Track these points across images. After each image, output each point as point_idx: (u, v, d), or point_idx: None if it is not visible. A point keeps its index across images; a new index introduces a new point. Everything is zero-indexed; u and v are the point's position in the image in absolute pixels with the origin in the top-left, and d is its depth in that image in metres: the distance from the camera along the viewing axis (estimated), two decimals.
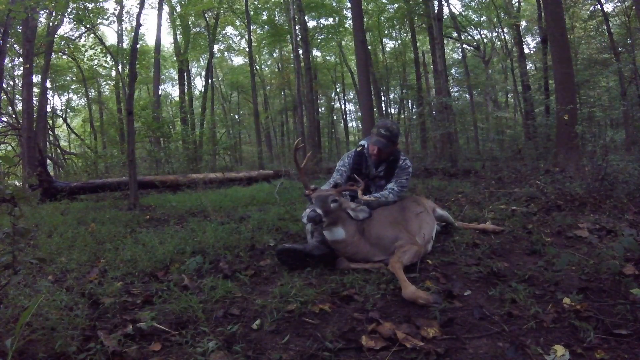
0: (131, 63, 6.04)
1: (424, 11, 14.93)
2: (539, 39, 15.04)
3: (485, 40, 20.00)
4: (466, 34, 19.38)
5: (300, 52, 13.75)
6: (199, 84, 28.72)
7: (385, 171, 3.00)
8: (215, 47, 21.09)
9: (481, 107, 19.83)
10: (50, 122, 19.06)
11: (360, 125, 27.97)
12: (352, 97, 28.41)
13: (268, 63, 26.68)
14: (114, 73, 18.33)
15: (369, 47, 18.32)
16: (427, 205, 2.98)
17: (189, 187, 7.97)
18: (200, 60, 24.76)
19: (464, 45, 19.14)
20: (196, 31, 19.60)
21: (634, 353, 1.35)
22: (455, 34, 18.75)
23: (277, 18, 19.59)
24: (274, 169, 10.95)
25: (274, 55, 24.85)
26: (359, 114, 25.23)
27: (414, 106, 22.89)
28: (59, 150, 18.30)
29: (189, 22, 18.39)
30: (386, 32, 20.95)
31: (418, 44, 19.68)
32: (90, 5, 10.24)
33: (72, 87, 21.69)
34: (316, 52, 22.10)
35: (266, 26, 19.62)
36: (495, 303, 1.82)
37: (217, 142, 15.20)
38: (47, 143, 16.16)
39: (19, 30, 11.81)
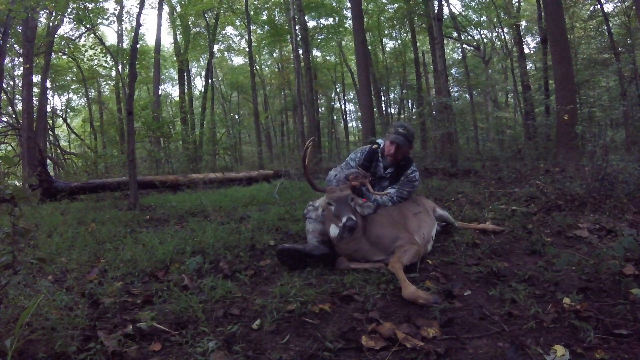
0: (131, 63, 6.04)
1: (424, 11, 14.93)
2: (539, 39, 15.05)
3: (485, 40, 20.00)
4: (466, 34, 19.38)
5: (300, 52, 13.73)
6: (199, 84, 28.76)
7: (392, 174, 2.97)
8: (215, 47, 21.11)
9: (481, 107, 19.84)
10: (50, 122, 19.07)
11: (360, 125, 27.95)
12: (352, 97, 28.40)
13: (268, 63, 26.69)
14: (114, 73, 18.34)
15: (369, 47, 18.31)
16: (426, 205, 2.98)
17: (189, 187, 7.97)
18: (200, 60, 24.76)
19: (464, 45, 19.15)
20: (196, 31, 19.61)
21: (634, 353, 1.35)
22: (455, 34, 18.76)
23: (277, 18, 19.59)
24: (274, 169, 10.94)
25: (274, 55, 24.85)
26: (359, 114, 25.19)
27: (414, 106, 22.88)
28: (59, 150, 18.31)
29: (189, 22, 18.41)
30: (386, 32, 20.95)
31: (418, 44, 19.67)
32: (90, 5, 10.26)
33: (72, 87, 21.70)
34: (316, 52, 22.11)
35: (266, 26, 19.62)
36: (495, 303, 1.82)
37: (217, 142, 15.20)
38: (47, 143, 16.17)
39: (19, 30, 11.82)
